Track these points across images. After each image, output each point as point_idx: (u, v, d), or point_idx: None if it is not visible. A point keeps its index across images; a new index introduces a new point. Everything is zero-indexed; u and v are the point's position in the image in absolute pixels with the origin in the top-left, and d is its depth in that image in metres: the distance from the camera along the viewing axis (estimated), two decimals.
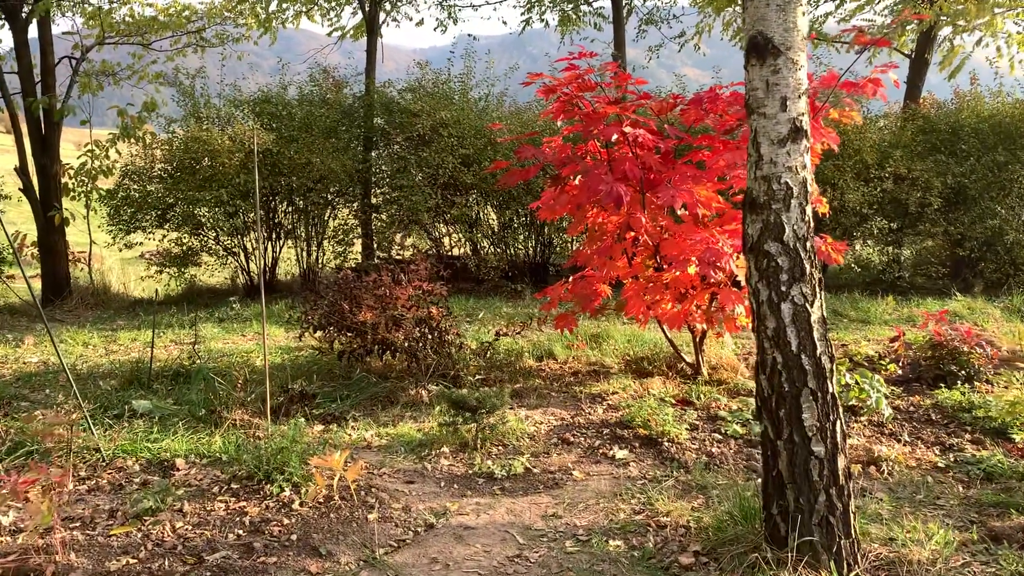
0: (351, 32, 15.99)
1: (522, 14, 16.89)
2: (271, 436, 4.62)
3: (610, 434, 5.07)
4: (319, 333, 6.35)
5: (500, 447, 4.89)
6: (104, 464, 4.58)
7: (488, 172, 9.56)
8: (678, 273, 6.14)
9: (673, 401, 5.73)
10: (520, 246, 11.98)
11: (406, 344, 6.22)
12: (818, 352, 3.16)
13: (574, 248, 12.29)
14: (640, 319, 6.14)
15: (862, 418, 5.27)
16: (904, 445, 4.83)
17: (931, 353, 6.11)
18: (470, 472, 4.46)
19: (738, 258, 5.83)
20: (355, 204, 11.99)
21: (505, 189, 10.90)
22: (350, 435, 5.12)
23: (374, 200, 12.13)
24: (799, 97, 3.17)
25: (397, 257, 11.08)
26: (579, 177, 6.48)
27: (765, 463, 3.30)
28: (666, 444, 4.81)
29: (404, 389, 5.96)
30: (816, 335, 3.16)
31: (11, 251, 11.26)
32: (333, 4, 15.84)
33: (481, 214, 12.02)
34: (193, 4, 16.12)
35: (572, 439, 5.00)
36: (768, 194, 3.18)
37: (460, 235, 11.89)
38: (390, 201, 11.49)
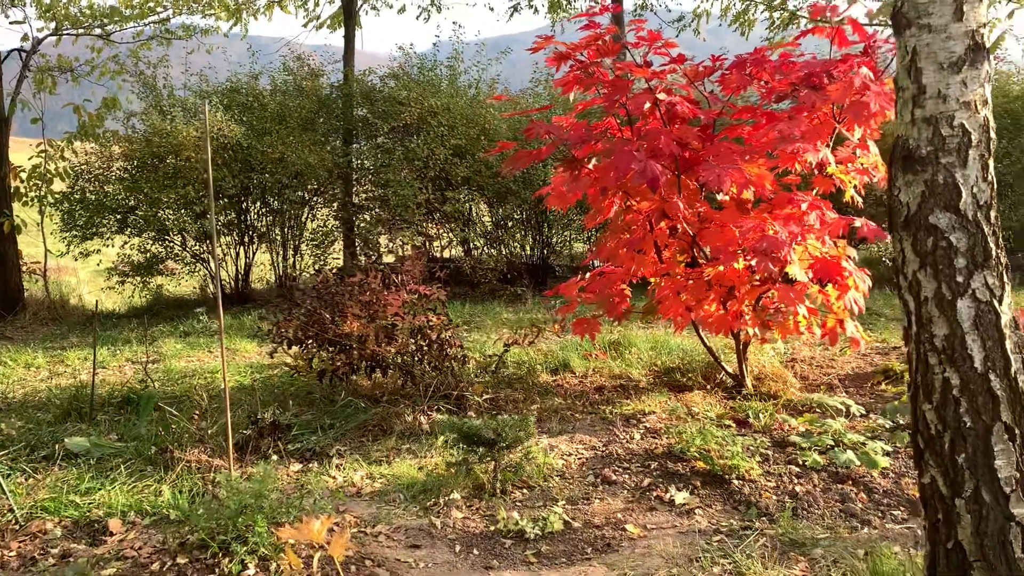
0: (328, 22, 14.94)
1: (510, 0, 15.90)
2: (233, 485, 3.58)
3: (660, 469, 4.06)
4: (295, 349, 5.31)
5: (524, 490, 3.87)
6: (16, 528, 3.53)
7: (491, 155, 8.52)
8: (721, 268, 5.18)
9: (727, 422, 4.75)
10: (517, 246, 10.97)
11: (400, 360, 5.20)
12: (1012, 370, 2.18)
13: (575, 247, 11.32)
14: (677, 323, 5.16)
15: None
16: None
17: None
18: (492, 529, 3.43)
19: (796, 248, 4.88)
20: (335, 203, 10.94)
21: (503, 181, 9.90)
22: (334, 478, 4.09)
23: (356, 199, 11.09)
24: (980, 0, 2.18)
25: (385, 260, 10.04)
26: (593, 161, 5.52)
27: (932, 530, 2.31)
28: (736, 482, 3.81)
29: (399, 415, 4.94)
30: (1008, 346, 2.18)
31: None
32: None
33: (475, 211, 11.01)
34: None
35: (614, 477, 3.99)
36: (934, 143, 2.20)
37: (452, 235, 10.87)
38: (374, 198, 10.45)
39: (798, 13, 15.40)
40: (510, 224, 10.63)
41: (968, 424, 2.18)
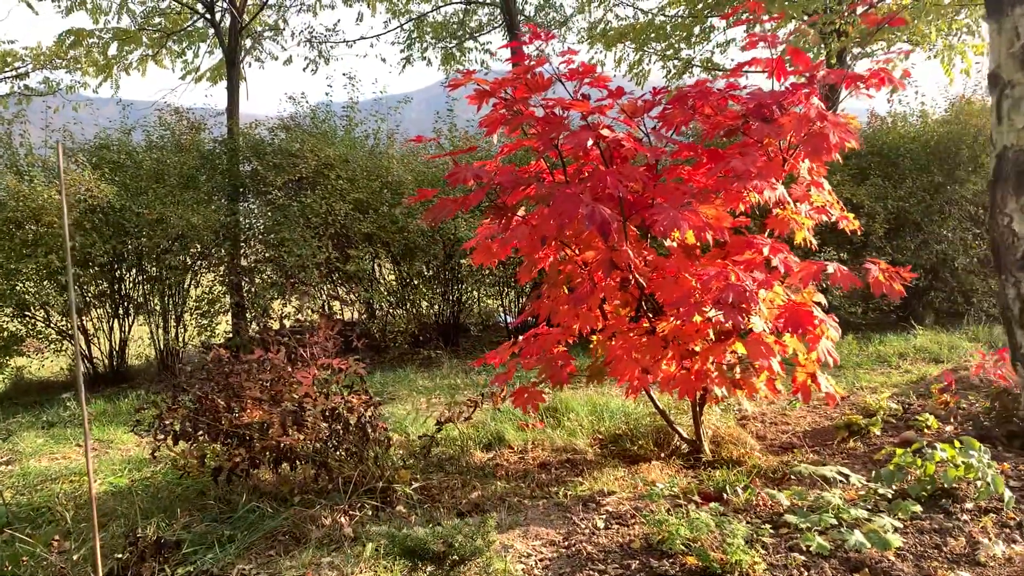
0: (208, 74, 14.00)
1: (401, 51, 15.41)
2: None
3: (644, 569, 3.38)
4: (182, 444, 4.39)
5: None
6: None
7: (411, 203, 7.76)
8: (677, 323, 4.63)
9: (698, 500, 4.12)
10: (425, 304, 10.21)
11: (312, 448, 4.36)
12: None
13: (487, 303, 10.68)
14: (634, 387, 4.54)
15: (966, 504, 3.82)
16: None
17: (998, 404, 4.79)
18: None
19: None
20: (222, 267, 9.93)
21: (410, 236, 9.19)
22: None
23: (246, 261, 10.12)
24: None
25: (292, 326, 9.09)
26: (522, 210, 4.92)
27: None
28: None
29: (315, 518, 4.07)
30: None
31: None
32: (186, 44, 13.85)
33: (379, 270, 10.22)
34: (15, 49, 13.83)
35: None
36: None
37: (354, 296, 10.02)
38: (267, 260, 9.52)
39: (692, 62, 15.55)
40: (417, 282, 9.88)
41: None
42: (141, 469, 5.33)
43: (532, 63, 4.61)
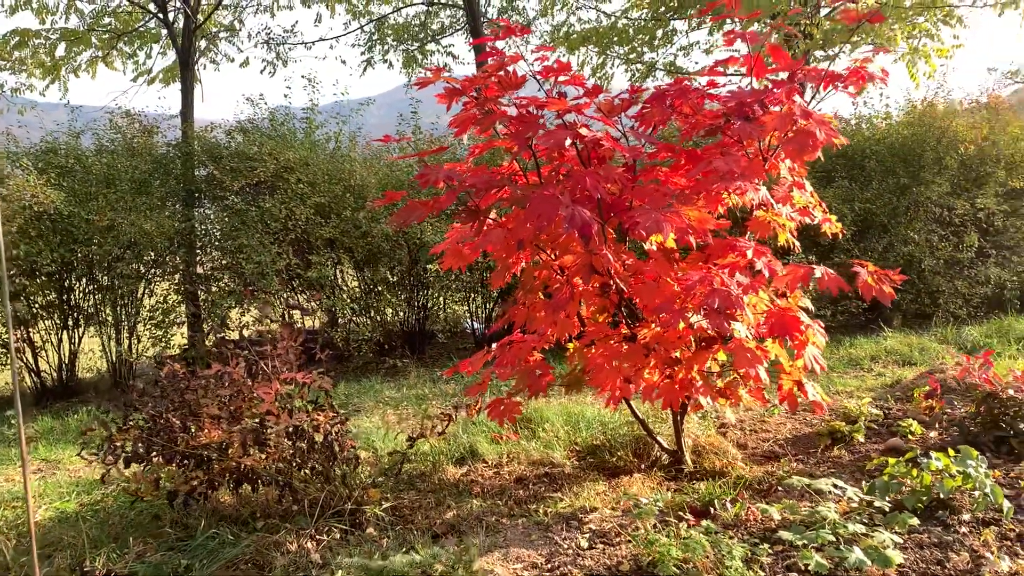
0: (160, 76, 13.57)
1: (362, 53, 15.10)
2: None
3: None
4: (134, 467, 4.09)
5: None
6: None
7: (378, 206, 7.49)
8: (658, 329, 4.45)
9: (688, 517, 3.93)
10: (390, 312, 9.92)
11: (276, 469, 4.09)
12: None
13: (453, 309, 10.44)
14: (615, 397, 4.34)
15: (963, 516, 3.68)
16: None
17: (984, 409, 4.68)
18: None
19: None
20: (177, 276, 9.54)
21: (374, 241, 8.93)
22: None
23: (202, 269, 9.75)
24: None
25: (252, 337, 8.76)
26: (493, 213, 4.70)
27: None
28: None
29: (280, 544, 3.80)
30: None
31: None
32: (137, 45, 13.40)
33: (342, 276, 9.91)
34: None
35: None
36: None
37: (316, 303, 9.70)
38: (224, 267, 9.16)
39: (656, 66, 15.49)
40: (382, 288, 9.60)
41: None
42: (91, 492, 4.99)
43: (505, 60, 4.40)
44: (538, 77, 4.44)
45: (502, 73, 4.41)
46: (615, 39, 15.25)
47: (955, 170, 10.55)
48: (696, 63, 16.85)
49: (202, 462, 4.02)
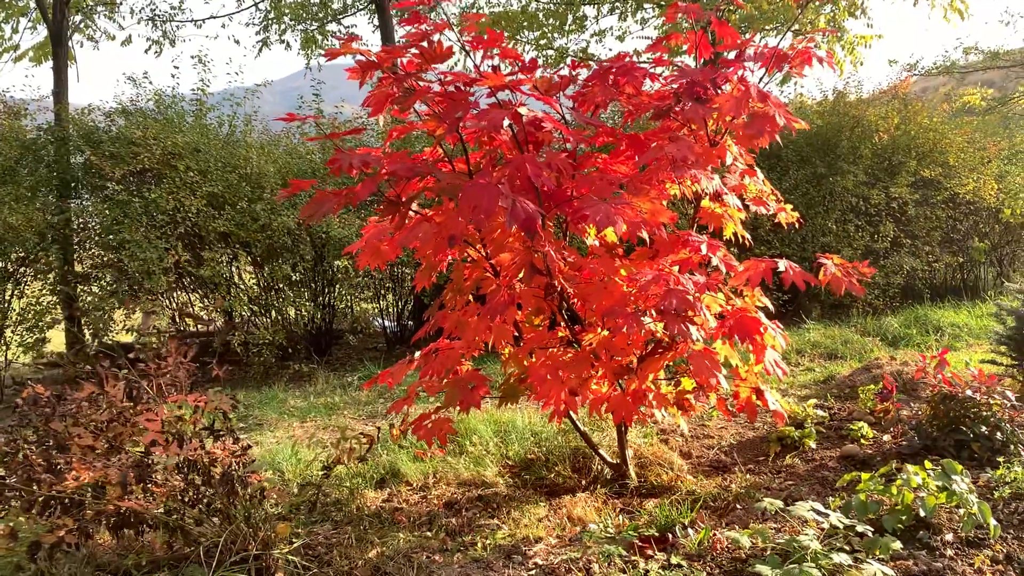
0: (30, 54, 12.32)
1: (257, 33, 14.14)
2: None
3: None
4: None
5: None
6: None
7: (281, 198, 6.83)
8: (605, 334, 4.01)
9: (645, 548, 3.48)
10: (293, 312, 9.18)
11: (166, 509, 3.43)
12: None
13: (362, 307, 9.78)
14: (560, 410, 3.86)
15: (946, 536, 3.36)
16: None
17: (942, 411, 4.41)
18: None
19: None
20: (51, 275, 8.53)
21: (274, 235, 8.19)
22: None
23: (80, 267, 8.78)
24: None
25: (136, 350, 7.89)
26: (415, 204, 4.14)
27: None
28: None
29: None
30: None
31: None
32: (2, 18, 12.11)
33: (238, 274, 9.10)
34: None
35: None
36: None
37: (210, 303, 8.87)
38: (105, 265, 8.24)
39: (567, 52, 15.12)
40: (284, 286, 8.84)
41: None
42: None
43: (430, 28, 3.83)
44: (467, 47, 3.90)
45: (425, 44, 3.85)
46: (525, 24, 14.80)
47: (870, 160, 10.57)
48: (610, 49, 16.60)
49: (72, 506, 3.32)
